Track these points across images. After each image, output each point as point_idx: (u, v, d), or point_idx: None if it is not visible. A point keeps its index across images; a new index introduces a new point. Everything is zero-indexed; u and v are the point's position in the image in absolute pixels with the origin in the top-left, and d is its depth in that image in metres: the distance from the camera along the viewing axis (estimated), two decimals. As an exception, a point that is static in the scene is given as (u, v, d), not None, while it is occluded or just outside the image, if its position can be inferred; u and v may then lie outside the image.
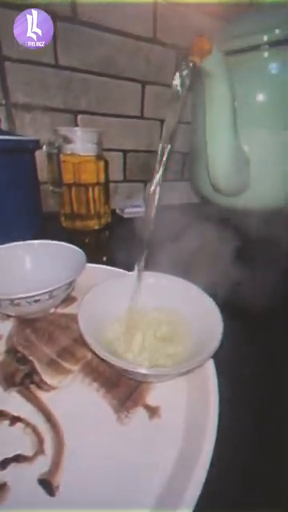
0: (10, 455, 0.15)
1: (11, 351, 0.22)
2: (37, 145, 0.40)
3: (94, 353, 0.18)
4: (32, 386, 0.19)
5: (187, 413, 0.18)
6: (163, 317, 0.24)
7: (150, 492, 0.14)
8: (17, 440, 0.16)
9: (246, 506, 0.14)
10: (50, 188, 0.43)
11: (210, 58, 0.27)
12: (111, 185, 0.54)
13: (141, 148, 0.61)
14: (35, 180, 0.43)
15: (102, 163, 0.47)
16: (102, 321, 0.21)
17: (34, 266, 0.29)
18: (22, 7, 0.37)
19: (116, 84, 0.54)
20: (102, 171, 0.47)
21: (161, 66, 0.56)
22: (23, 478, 0.14)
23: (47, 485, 0.14)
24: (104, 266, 0.32)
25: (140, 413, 0.18)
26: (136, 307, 0.23)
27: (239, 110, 0.36)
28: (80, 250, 0.28)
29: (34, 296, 0.22)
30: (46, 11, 0.37)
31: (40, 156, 0.43)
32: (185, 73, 0.23)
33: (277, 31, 0.37)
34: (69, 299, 0.28)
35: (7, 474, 0.14)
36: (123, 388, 0.19)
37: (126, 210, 0.57)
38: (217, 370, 0.19)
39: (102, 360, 0.17)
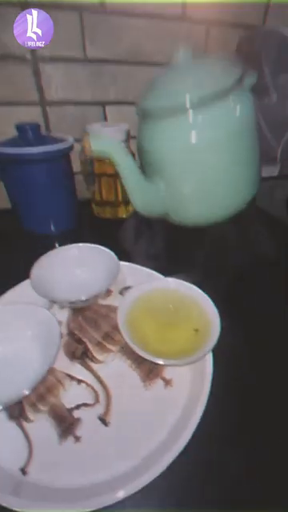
0: (80, 402, 0.25)
1: (71, 334, 0.31)
2: (71, 148, 0.45)
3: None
4: (87, 360, 0.28)
5: (190, 385, 0.26)
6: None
7: (163, 428, 0.23)
8: (83, 393, 0.26)
9: (245, 505, 0.19)
10: (86, 187, 0.49)
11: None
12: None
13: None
14: (71, 177, 0.49)
15: (129, 158, 0.51)
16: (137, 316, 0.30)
17: (74, 268, 0.37)
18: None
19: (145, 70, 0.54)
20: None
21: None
22: (89, 415, 0.24)
23: (103, 420, 0.24)
24: (134, 265, 0.39)
25: (159, 382, 0.27)
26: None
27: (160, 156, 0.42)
28: (115, 258, 0.35)
29: (86, 301, 0.30)
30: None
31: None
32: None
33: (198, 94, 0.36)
34: (107, 292, 0.36)
35: (79, 413, 0.24)
36: (148, 365, 0.28)
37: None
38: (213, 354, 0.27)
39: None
